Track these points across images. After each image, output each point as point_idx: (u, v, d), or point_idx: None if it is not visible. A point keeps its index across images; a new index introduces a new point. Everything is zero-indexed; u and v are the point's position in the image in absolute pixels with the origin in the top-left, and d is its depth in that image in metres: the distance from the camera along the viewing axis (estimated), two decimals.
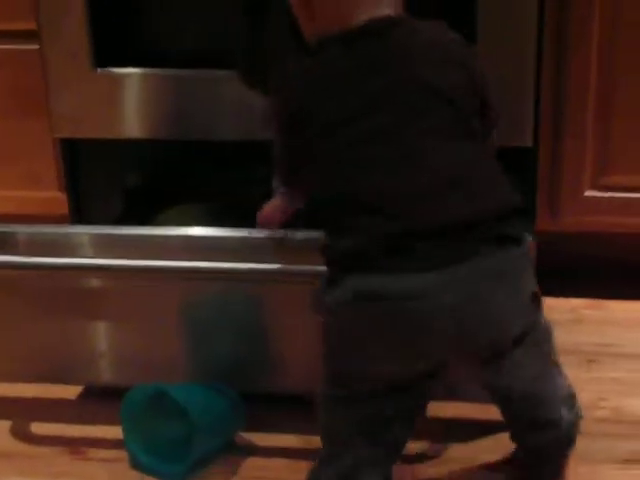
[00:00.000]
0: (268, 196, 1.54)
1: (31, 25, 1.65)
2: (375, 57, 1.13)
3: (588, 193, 1.67)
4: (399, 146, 1.10)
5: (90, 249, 1.42)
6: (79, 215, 1.75)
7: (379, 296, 1.08)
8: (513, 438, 1.26)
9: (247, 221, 1.43)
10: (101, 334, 1.46)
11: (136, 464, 1.38)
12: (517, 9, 1.51)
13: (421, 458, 1.37)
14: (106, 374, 1.48)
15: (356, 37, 1.14)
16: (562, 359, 1.54)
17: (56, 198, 1.79)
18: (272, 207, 1.37)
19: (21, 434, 1.48)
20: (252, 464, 1.39)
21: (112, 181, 1.74)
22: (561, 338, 1.55)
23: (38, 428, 1.49)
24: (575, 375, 1.28)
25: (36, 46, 1.66)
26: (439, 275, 1.07)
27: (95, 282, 1.44)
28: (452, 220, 1.08)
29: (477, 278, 1.08)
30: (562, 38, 1.60)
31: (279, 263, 1.34)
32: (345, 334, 1.13)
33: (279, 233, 1.37)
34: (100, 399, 1.52)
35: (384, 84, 1.12)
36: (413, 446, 1.31)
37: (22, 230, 1.43)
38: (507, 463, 1.33)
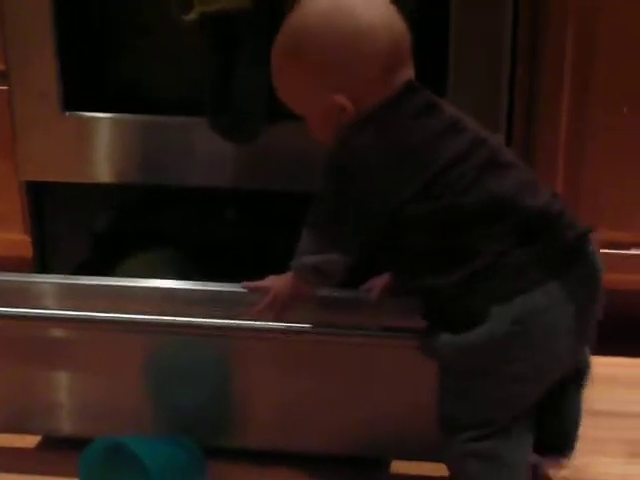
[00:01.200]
0: (236, 243, 1.54)
1: (0, 65, 1.63)
2: (449, 118, 1.20)
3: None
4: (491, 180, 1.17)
5: (52, 299, 1.40)
6: (44, 259, 1.73)
7: (539, 313, 1.15)
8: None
9: (214, 269, 1.42)
10: (62, 384, 1.44)
11: None
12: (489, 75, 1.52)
13: None
14: (65, 425, 1.46)
15: (412, 102, 1.20)
16: None
17: (21, 241, 1.77)
18: (283, 285, 1.30)
19: None
20: None
21: (78, 225, 1.72)
22: None
23: None
24: None
25: (4, 87, 1.64)
26: (561, 284, 1.16)
27: (57, 332, 1.42)
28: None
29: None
30: (532, 109, 1.61)
31: (245, 318, 1.33)
32: (503, 368, 1.18)
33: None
34: (59, 450, 1.49)
35: (466, 140, 1.18)
36: None
37: None
38: None
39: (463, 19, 1.48)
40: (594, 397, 1.60)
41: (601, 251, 1.54)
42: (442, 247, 1.17)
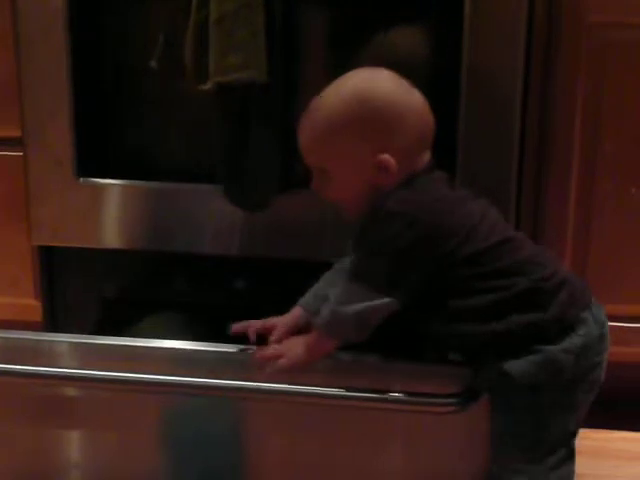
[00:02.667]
0: (245, 310, 1.54)
1: (16, 132, 1.65)
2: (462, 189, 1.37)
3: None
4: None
5: (66, 358, 1.40)
6: (54, 323, 1.74)
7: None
8: None
9: (224, 335, 1.43)
10: (76, 444, 1.44)
11: None
12: (498, 135, 1.54)
13: None
14: None
15: (439, 175, 1.35)
16: None
17: (32, 305, 1.78)
18: (301, 349, 1.31)
19: None
20: None
21: (89, 290, 1.73)
22: None
23: None
24: None
25: (20, 153, 1.66)
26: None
27: (71, 391, 1.42)
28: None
29: None
30: (542, 168, 1.62)
31: (260, 381, 1.33)
32: (586, 375, 1.31)
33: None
34: None
35: (482, 203, 1.34)
36: None
37: None
38: None
39: (473, 92, 1.51)
40: (593, 471, 1.60)
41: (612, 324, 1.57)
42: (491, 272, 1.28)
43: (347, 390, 1.32)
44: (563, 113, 1.59)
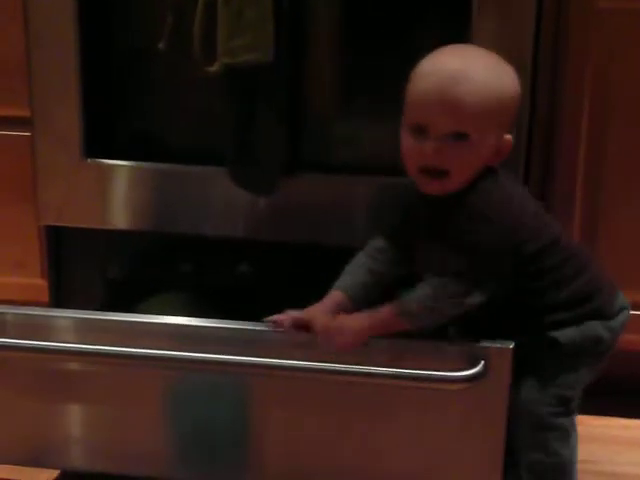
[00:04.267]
0: (248, 293, 1.54)
1: (24, 112, 1.66)
2: None
3: None
4: None
5: (73, 333, 1.41)
6: (59, 303, 1.74)
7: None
8: None
9: (228, 316, 1.43)
10: (79, 419, 1.45)
11: None
12: None
13: None
14: (81, 460, 1.47)
15: None
16: None
17: (38, 285, 1.78)
18: (359, 326, 1.33)
19: None
20: None
21: (95, 270, 1.74)
22: None
23: None
24: None
25: (28, 133, 1.67)
26: None
27: (75, 367, 1.43)
28: None
29: None
30: (549, 155, 1.62)
31: (264, 356, 1.34)
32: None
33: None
34: None
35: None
36: None
37: (5, 311, 1.42)
38: None
39: None
40: (602, 459, 1.60)
41: None
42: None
43: (355, 366, 1.33)
44: (571, 99, 1.59)
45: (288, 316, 1.36)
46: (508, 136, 1.34)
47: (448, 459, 1.38)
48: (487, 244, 1.30)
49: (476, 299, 1.30)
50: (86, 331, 1.40)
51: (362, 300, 1.38)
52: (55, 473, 1.53)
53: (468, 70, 1.29)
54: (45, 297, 1.76)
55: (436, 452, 1.37)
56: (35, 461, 1.49)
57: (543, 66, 1.57)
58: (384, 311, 1.32)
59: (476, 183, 1.32)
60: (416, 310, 1.31)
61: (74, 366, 1.43)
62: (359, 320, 1.33)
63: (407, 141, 1.31)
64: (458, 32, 1.49)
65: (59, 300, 1.75)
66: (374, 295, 1.39)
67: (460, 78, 1.28)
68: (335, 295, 1.38)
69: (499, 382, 1.33)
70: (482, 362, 1.31)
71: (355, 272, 1.40)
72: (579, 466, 1.57)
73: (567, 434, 1.43)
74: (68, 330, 1.40)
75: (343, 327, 1.33)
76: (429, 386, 1.33)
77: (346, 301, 1.37)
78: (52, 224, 1.71)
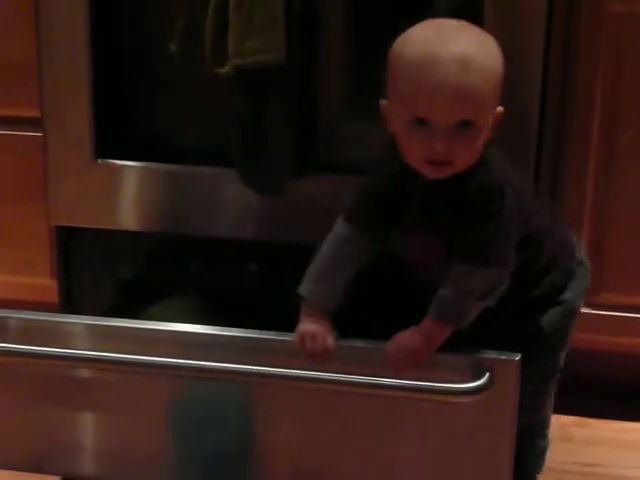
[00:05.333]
0: (258, 294, 1.54)
1: (35, 112, 1.67)
2: None
3: (582, 310, 1.66)
4: None
5: (80, 339, 1.40)
6: (69, 304, 1.75)
7: None
8: None
9: (237, 318, 1.43)
10: (84, 425, 1.45)
11: None
12: (517, 121, 1.53)
13: None
14: (86, 467, 1.46)
15: None
16: (549, 478, 1.53)
17: (47, 285, 1.79)
18: (417, 342, 1.31)
19: None
20: None
21: (104, 271, 1.74)
22: (548, 455, 1.54)
23: None
24: None
25: (39, 133, 1.67)
26: None
27: (82, 373, 1.43)
28: None
29: None
30: (560, 155, 1.61)
31: (271, 365, 1.34)
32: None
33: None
34: None
35: None
36: None
37: (13, 316, 1.42)
38: None
39: None
40: (611, 462, 1.60)
41: (624, 315, 1.58)
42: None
43: (360, 377, 1.32)
44: (582, 101, 1.58)
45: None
46: (500, 108, 1.30)
47: (454, 472, 1.37)
48: (508, 213, 1.28)
49: (507, 277, 1.30)
50: (91, 337, 1.40)
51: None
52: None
53: (467, 54, 1.24)
54: (54, 297, 1.76)
55: (442, 464, 1.37)
56: (38, 467, 1.49)
57: (554, 69, 1.56)
58: (427, 324, 1.30)
59: (480, 157, 1.29)
60: (462, 309, 1.30)
61: (78, 372, 1.43)
62: (412, 340, 1.31)
63: (409, 134, 1.26)
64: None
65: (68, 301, 1.75)
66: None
67: (461, 64, 1.23)
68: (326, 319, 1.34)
69: (505, 394, 1.32)
70: (487, 374, 1.30)
71: (330, 281, 1.37)
72: (587, 470, 1.58)
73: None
74: (73, 336, 1.40)
75: (402, 349, 1.31)
76: (434, 398, 1.32)
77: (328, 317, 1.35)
78: (62, 224, 1.71)
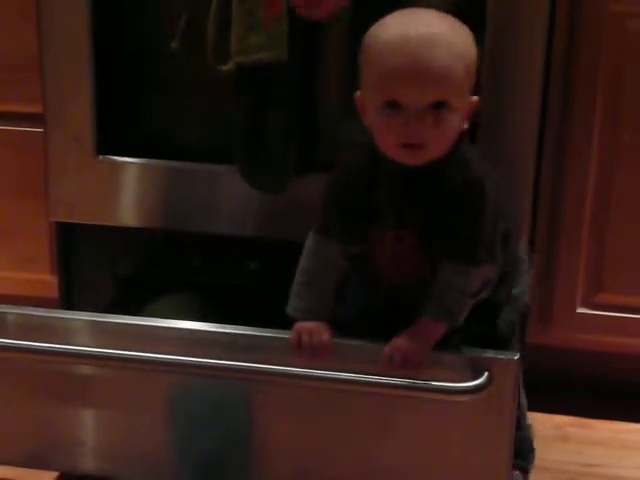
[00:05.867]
0: (257, 292, 1.54)
1: (37, 108, 1.67)
2: None
3: (580, 310, 1.67)
4: None
5: (80, 335, 1.40)
6: (69, 300, 1.75)
7: None
8: None
9: (235, 316, 1.43)
10: (83, 421, 1.45)
11: None
12: (518, 120, 1.53)
13: None
14: (84, 463, 1.46)
15: None
16: (545, 477, 1.54)
17: (47, 281, 1.79)
18: (412, 344, 1.31)
19: None
20: None
21: (104, 267, 1.74)
22: (544, 455, 1.54)
23: None
24: None
25: (40, 129, 1.67)
26: None
27: (82, 369, 1.43)
28: None
29: None
30: (561, 153, 1.62)
31: (270, 363, 1.34)
32: None
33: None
34: None
35: None
36: None
37: (12, 311, 1.42)
38: None
39: (493, 81, 1.51)
40: (608, 463, 1.61)
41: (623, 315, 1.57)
42: None
43: (359, 375, 1.32)
44: (583, 101, 1.59)
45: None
46: (475, 97, 1.30)
47: (452, 471, 1.37)
48: (491, 207, 1.28)
49: (496, 272, 1.32)
50: (91, 334, 1.40)
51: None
52: (54, 475, 1.53)
53: (437, 34, 1.24)
54: (54, 293, 1.76)
55: (440, 463, 1.37)
56: (36, 463, 1.48)
57: (555, 68, 1.57)
58: (423, 325, 1.31)
59: (457, 148, 1.29)
60: (457, 307, 1.30)
61: (78, 369, 1.43)
62: (409, 342, 1.30)
63: (383, 119, 1.26)
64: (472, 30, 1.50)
65: (68, 296, 1.76)
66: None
67: (431, 44, 1.23)
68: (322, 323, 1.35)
69: (503, 393, 1.32)
70: (486, 373, 1.30)
71: (320, 295, 1.37)
72: (586, 470, 1.58)
73: None
74: (72, 332, 1.40)
75: (401, 351, 1.30)
76: (433, 397, 1.32)
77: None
78: (62, 220, 1.71)
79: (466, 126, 1.30)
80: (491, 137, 1.53)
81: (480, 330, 1.36)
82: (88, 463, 1.46)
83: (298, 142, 1.55)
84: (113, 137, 1.66)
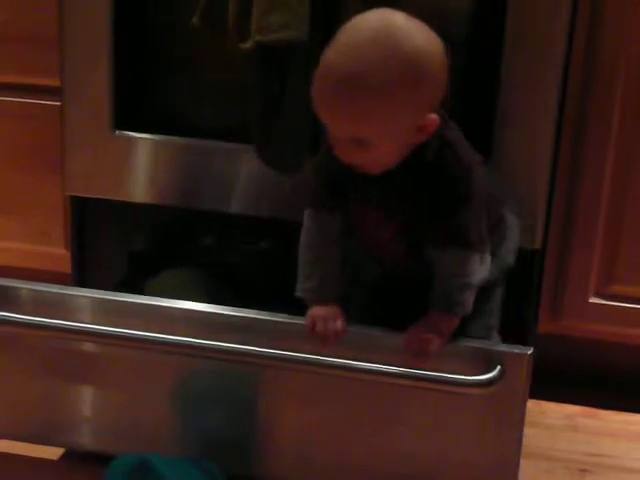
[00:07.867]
0: (268, 272, 1.54)
1: (55, 82, 1.67)
2: None
3: (592, 300, 1.66)
4: None
5: (90, 313, 1.41)
6: (82, 275, 1.75)
7: None
8: None
9: (245, 295, 1.43)
10: (89, 399, 1.45)
11: None
12: (534, 128, 1.52)
13: None
14: (89, 439, 1.47)
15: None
16: (554, 466, 1.53)
17: (61, 255, 1.79)
18: (431, 331, 1.31)
19: None
20: None
21: (118, 243, 1.74)
22: (554, 445, 1.54)
23: None
24: None
25: (57, 102, 1.67)
26: None
27: (88, 346, 1.43)
28: None
29: None
30: (577, 153, 1.61)
31: (281, 348, 1.33)
32: None
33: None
34: (80, 464, 1.49)
35: None
36: None
37: (24, 287, 1.42)
38: None
39: (514, 63, 1.50)
40: (618, 453, 1.60)
41: (635, 307, 1.56)
42: None
43: (372, 364, 1.32)
44: (602, 100, 1.57)
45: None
46: (432, 116, 1.23)
47: (461, 463, 1.37)
48: (478, 192, 1.28)
49: (488, 257, 1.33)
50: (101, 312, 1.40)
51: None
52: (61, 452, 1.53)
53: (361, 74, 1.18)
54: (68, 267, 1.77)
55: (450, 455, 1.37)
56: (41, 439, 1.49)
57: (574, 66, 1.56)
58: (435, 317, 1.31)
59: (439, 135, 1.26)
60: (460, 296, 1.30)
61: (87, 346, 1.43)
62: (428, 330, 1.31)
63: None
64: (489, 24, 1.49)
65: (81, 271, 1.76)
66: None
67: (352, 85, 1.18)
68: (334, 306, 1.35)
69: (515, 387, 1.32)
70: (499, 367, 1.30)
71: (325, 272, 1.37)
72: (591, 459, 1.58)
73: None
74: (83, 309, 1.40)
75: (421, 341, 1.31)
76: (445, 389, 1.32)
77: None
78: (78, 194, 1.71)
79: (420, 142, 1.26)
80: (510, 131, 1.52)
81: None
82: (93, 440, 1.46)
83: (314, 122, 1.53)
84: (130, 113, 1.66)
